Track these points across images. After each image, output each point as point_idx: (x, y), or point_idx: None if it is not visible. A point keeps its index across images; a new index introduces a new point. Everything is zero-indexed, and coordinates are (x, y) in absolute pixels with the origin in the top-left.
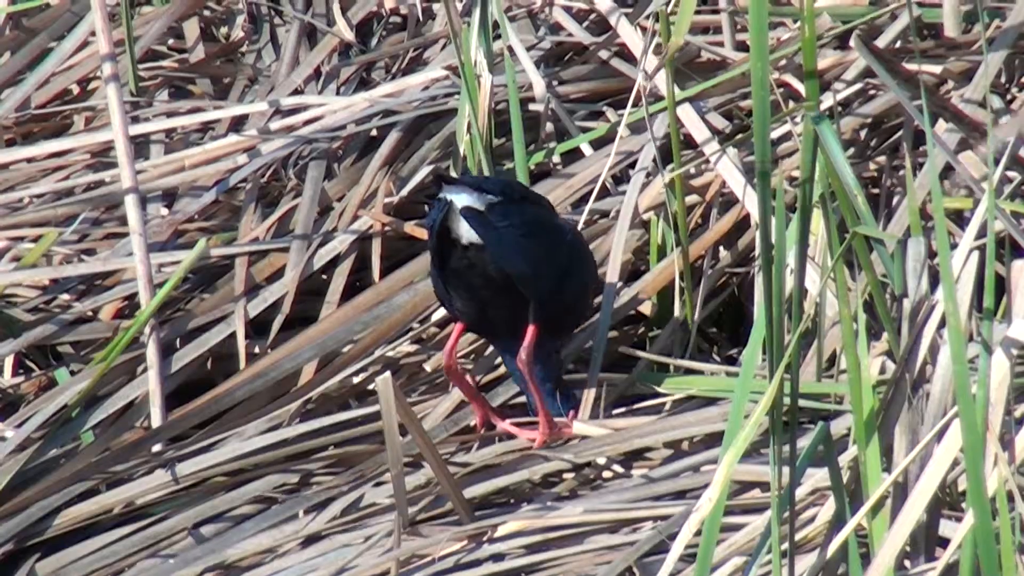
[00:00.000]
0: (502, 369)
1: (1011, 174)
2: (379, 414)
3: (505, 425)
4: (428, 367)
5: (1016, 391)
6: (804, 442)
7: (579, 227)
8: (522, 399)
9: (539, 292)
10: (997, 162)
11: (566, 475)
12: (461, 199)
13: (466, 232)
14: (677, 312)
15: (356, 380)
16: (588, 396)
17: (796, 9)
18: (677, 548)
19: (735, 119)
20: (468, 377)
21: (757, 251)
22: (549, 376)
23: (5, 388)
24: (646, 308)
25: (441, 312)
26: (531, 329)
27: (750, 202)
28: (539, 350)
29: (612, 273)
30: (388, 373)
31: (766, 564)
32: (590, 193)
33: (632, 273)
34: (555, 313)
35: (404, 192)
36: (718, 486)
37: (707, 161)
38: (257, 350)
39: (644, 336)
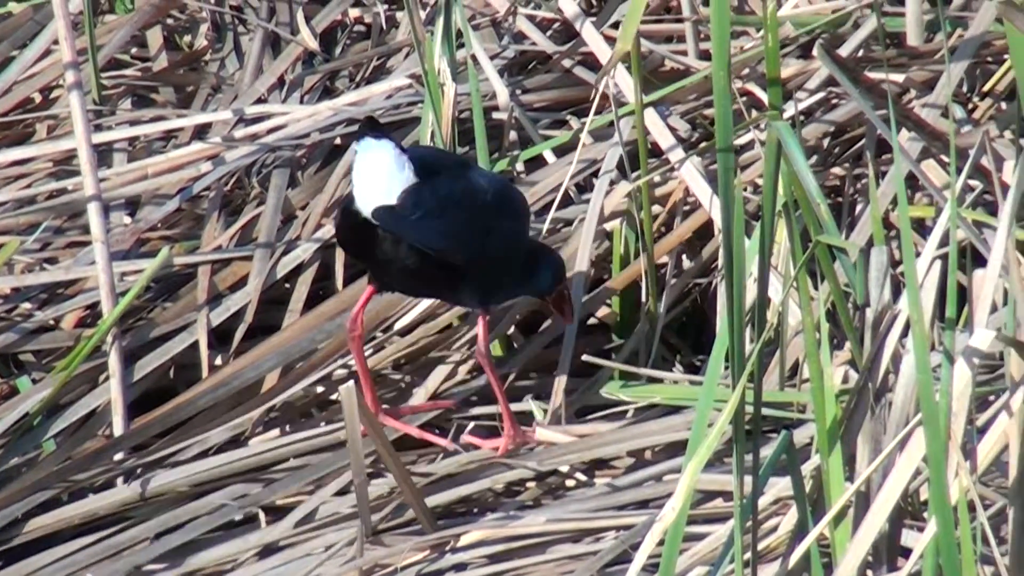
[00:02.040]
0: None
1: (973, 183)
2: (341, 420)
3: (398, 424)
4: (396, 375)
5: (978, 400)
6: (767, 451)
7: (541, 234)
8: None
9: (467, 260)
10: (959, 171)
11: (529, 484)
12: (377, 162)
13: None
14: (640, 321)
15: (319, 389)
16: (552, 404)
17: (759, 18)
18: (640, 558)
19: (699, 127)
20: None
21: (720, 260)
22: None
23: None
24: (609, 317)
25: (404, 320)
26: (481, 323)
27: (714, 210)
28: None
29: (577, 281)
30: (351, 382)
31: (729, 574)
32: (553, 201)
33: (594, 282)
34: (490, 274)
35: None
36: (681, 495)
37: (671, 169)
38: (220, 359)
39: (607, 345)
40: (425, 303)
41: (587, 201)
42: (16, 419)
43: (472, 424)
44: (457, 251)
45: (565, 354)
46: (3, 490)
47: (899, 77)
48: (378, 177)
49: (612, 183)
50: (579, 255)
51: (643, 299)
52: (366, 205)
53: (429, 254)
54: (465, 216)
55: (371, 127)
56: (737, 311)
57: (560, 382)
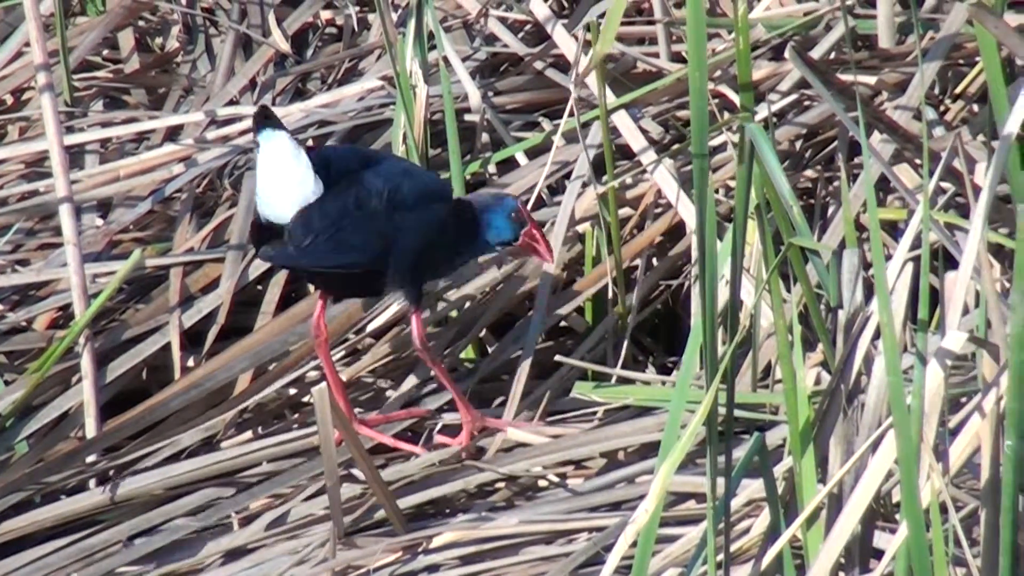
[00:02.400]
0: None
1: (945, 185)
2: (313, 422)
3: (372, 432)
4: (369, 379)
5: (949, 402)
6: (739, 452)
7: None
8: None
9: (378, 266)
10: (931, 173)
11: (501, 485)
12: (273, 156)
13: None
14: (611, 322)
15: (292, 391)
16: (514, 404)
17: (731, 20)
18: (613, 560)
19: (671, 130)
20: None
21: (692, 261)
22: None
23: None
24: (580, 319)
25: (377, 322)
26: (413, 318)
27: (685, 212)
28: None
29: (545, 284)
30: (324, 384)
31: (701, 575)
32: (526, 203)
33: (567, 284)
34: (415, 264)
35: None
36: (654, 497)
37: (643, 171)
38: (192, 361)
39: (579, 346)
40: (395, 307)
41: (560, 204)
42: None
43: (440, 425)
44: (360, 262)
45: (529, 352)
46: None
47: (871, 79)
48: (275, 195)
49: (584, 185)
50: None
51: (613, 300)
52: (263, 236)
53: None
54: (361, 226)
55: (264, 117)
56: (709, 313)
57: (520, 382)
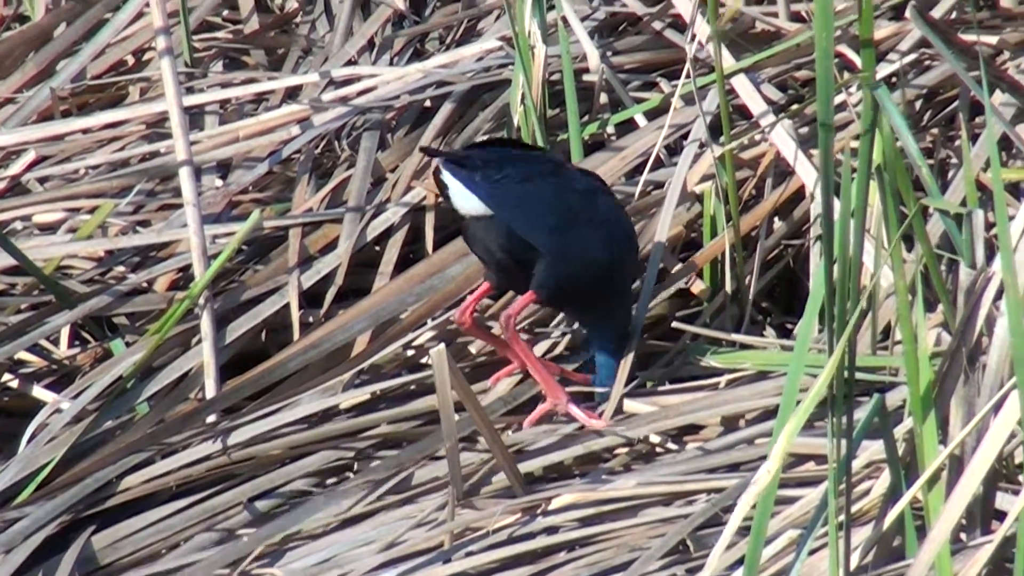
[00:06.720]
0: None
1: None
2: (432, 385)
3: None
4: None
5: None
6: (859, 414)
7: (633, 198)
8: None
9: (545, 242)
10: None
11: (620, 450)
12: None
13: (462, 203)
14: (730, 285)
15: (409, 352)
16: (625, 368)
17: None
18: (735, 521)
19: (790, 90)
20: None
21: (810, 223)
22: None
23: (61, 359)
24: (699, 281)
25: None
26: (525, 297)
27: (804, 173)
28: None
29: (659, 246)
30: (442, 345)
31: (822, 537)
32: (644, 164)
33: (686, 245)
34: (567, 277)
35: None
36: (776, 458)
37: (761, 132)
38: (311, 321)
39: (698, 309)
40: None
41: (678, 165)
42: (110, 382)
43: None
44: (535, 227)
45: (640, 320)
46: (97, 453)
47: (992, 39)
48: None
49: (702, 147)
50: (663, 220)
51: (731, 263)
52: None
53: (509, 234)
54: (548, 197)
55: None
56: (841, 277)
57: (634, 346)
